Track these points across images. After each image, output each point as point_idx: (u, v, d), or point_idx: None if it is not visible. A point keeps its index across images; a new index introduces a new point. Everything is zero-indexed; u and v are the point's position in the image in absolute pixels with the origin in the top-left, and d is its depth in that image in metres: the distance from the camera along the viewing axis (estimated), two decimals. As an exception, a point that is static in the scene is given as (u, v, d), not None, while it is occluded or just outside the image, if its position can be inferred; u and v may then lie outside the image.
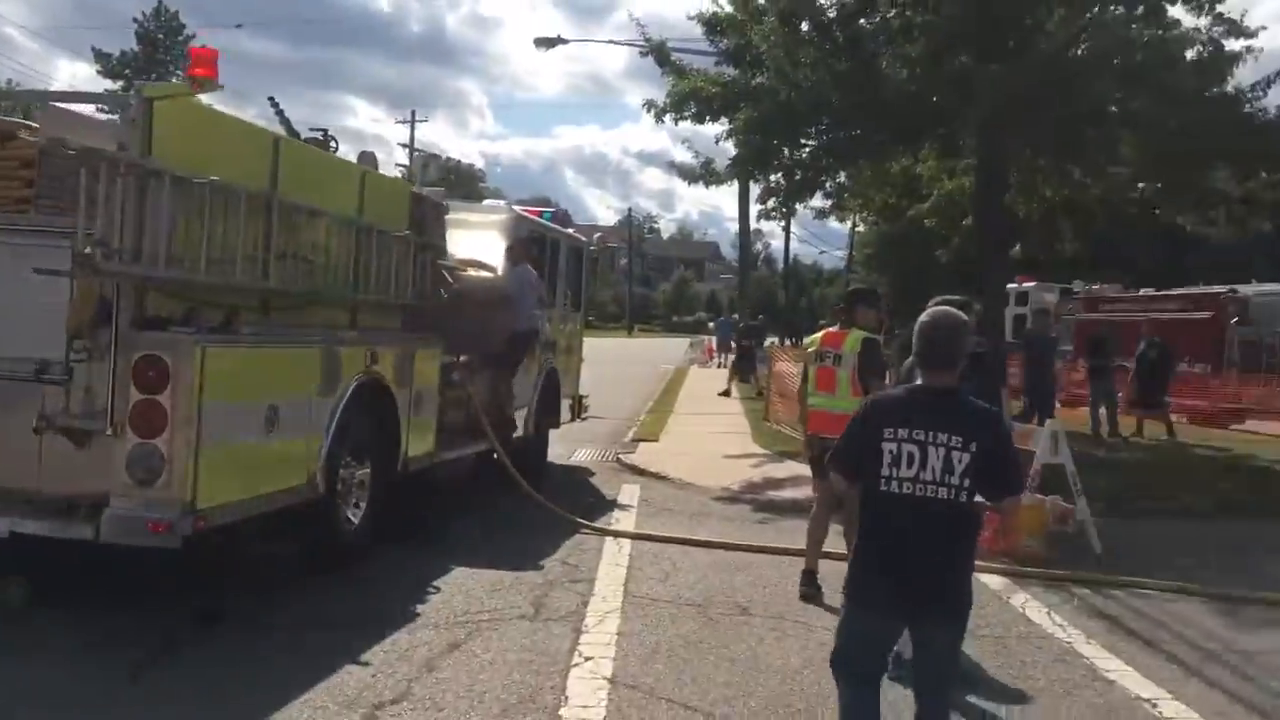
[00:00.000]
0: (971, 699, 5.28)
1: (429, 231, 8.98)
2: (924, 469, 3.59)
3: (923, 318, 3.90)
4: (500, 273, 10.40)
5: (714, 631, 6.30)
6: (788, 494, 11.20)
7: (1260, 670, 5.94)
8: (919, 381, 3.87)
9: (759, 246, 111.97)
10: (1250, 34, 14.44)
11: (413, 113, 72.39)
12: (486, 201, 15.19)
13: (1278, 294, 27.34)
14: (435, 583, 6.99)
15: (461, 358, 9.34)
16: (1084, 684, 5.59)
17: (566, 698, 5.04)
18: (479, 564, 7.49)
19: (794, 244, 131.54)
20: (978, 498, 3.69)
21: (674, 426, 17.40)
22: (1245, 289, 27.17)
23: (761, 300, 68.96)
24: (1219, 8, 14.17)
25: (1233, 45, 14.56)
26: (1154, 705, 5.26)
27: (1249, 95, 15.05)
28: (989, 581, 7.80)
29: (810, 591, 7.08)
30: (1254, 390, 23.31)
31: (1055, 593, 7.62)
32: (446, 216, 9.89)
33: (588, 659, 5.60)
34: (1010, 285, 27.71)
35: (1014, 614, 7.04)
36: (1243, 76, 14.99)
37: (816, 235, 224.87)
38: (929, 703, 3.85)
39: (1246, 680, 5.76)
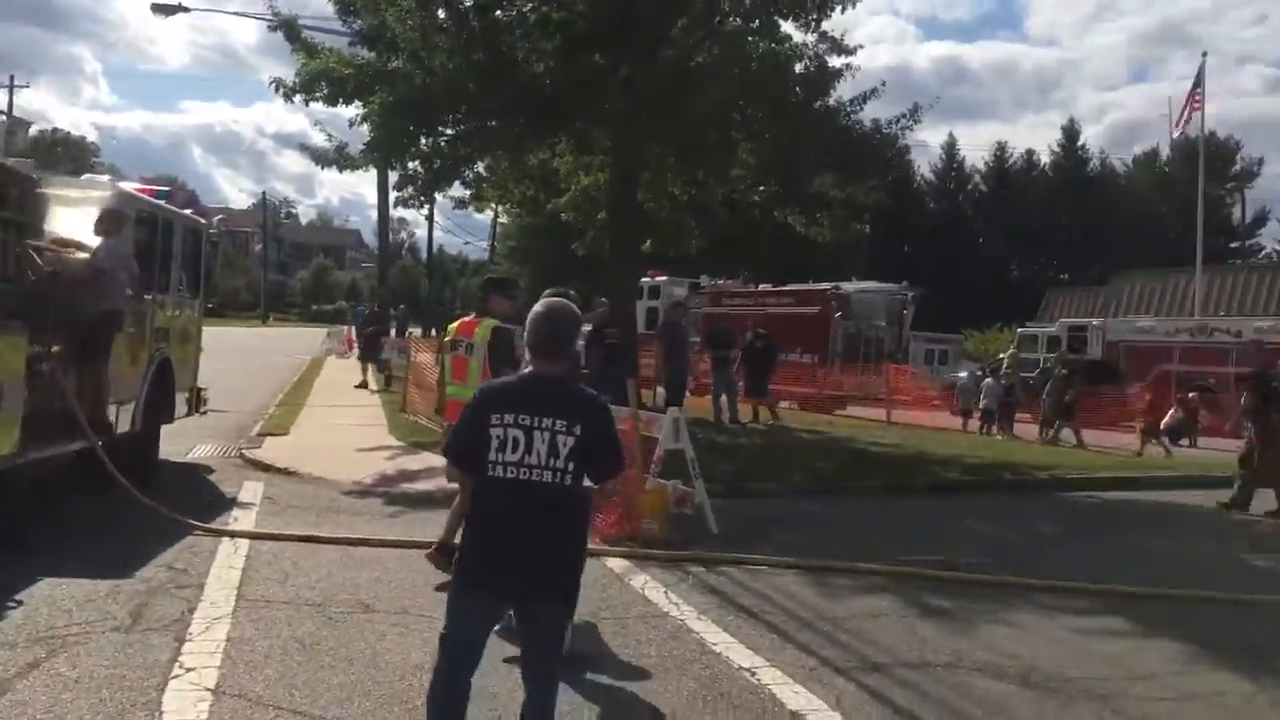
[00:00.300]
0: (590, 678, 5.42)
1: (13, 207, 8.04)
2: (529, 453, 3.69)
3: (536, 308, 4.02)
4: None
5: (333, 631, 6.06)
6: (422, 486, 11.03)
7: (846, 634, 6.50)
8: (530, 369, 3.94)
9: (403, 235, 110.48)
10: (850, 52, 15.86)
11: (11, 77, 64.69)
12: (86, 176, 13.79)
13: (874, 291, 30.39)
14: (17, 596, 6.26)
15: (54, 347, 8.43)
16: (693, 658, 5.88)
17: (162, 713, 4.66)
18: (70, 573, 6.78)
19: (438, 234, 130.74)
20: (586, 481, 3.83)
21: (305, 420, 16.72)
22: (847, 286, 29.97)
23: (405, 290, 68.03)
24: (825, 25, 15.48)
25: (835, 62, 15.94)
26: (753, 674, 5.61)
27: (848, 109, 16.55)
28: (613, 565, 8.07)
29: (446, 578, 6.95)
30: (854, 379, 25.78)
31: (673, 572, 7.96)
32: (39, 191, 8.92)
33: (189, 670, 5.21)
34: (643, 279, 28.96)
35: (634, 594, 7.29)
36: (843, 91, 16.46)
37: (461, 226, 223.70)
38: (536, 684, 3.92)
39: (834, 644, 6.27)
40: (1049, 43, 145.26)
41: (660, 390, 17.86)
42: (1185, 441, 20.61)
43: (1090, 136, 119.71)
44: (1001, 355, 29.80)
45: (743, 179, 18.23)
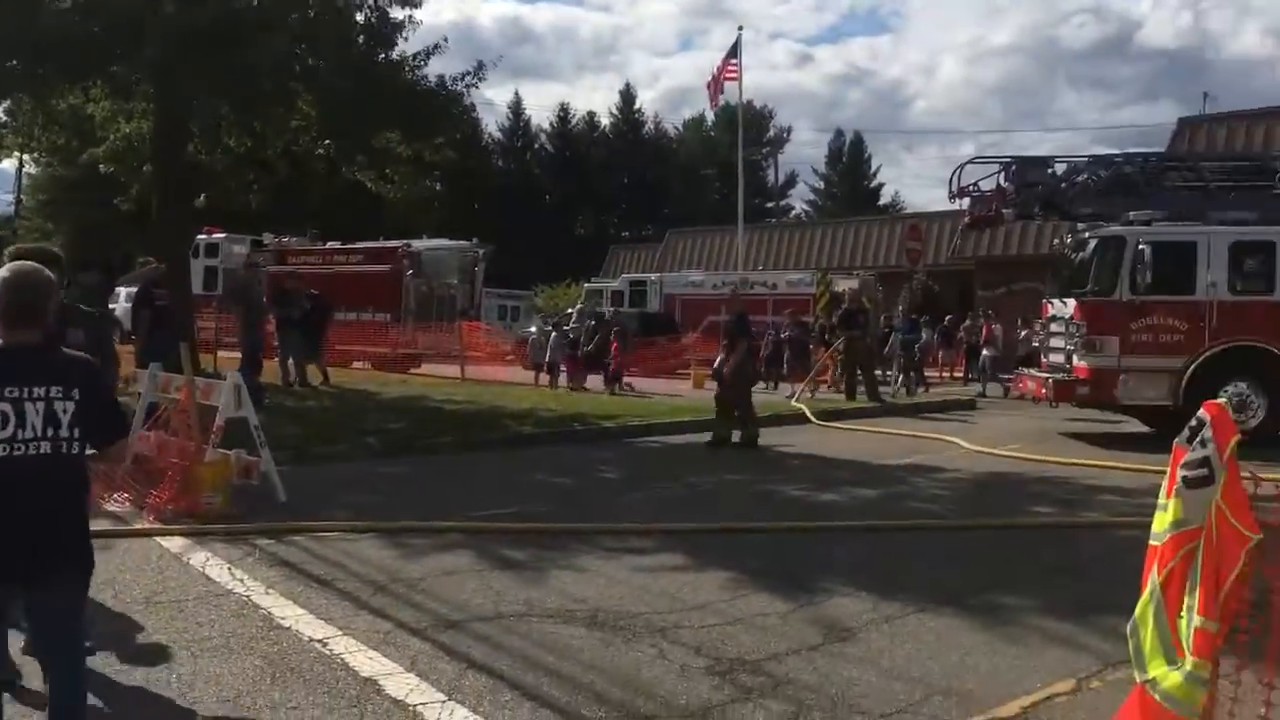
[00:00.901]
0: (141, 668, 5.03)
1: None
2: (23, 427, 3.45)
3: (1, 273, 3.68)
4: None
5: None
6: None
7: (421, 594, 6.48)
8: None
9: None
10: (414, 4, 15.65)
11: None
12: None
13: (446, 248, 30.50)
14: None
15: None
16: (260, 635, 5.60)
17: None
18: None
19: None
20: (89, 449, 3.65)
21: None
22: (418, 244, 29.83)
23: (-91, 249, 59.14)
24: None
25: (398, 14, 15.65)
26: (325, 644, 5.44)
27: (412, 64, 16.33)
28: (169, 544, 7.55)
29: None
30: (428, 336, 25.82)
31: (238, 547, 7.56)
32: None
33: None
34: (199, 237, 27.11)
35: (194, 574, 6.84)
36: (408, 46, 16.22)
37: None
38: (61, 674, 3.65)
39: (409, 605, 6.23)
40: (604, 8, 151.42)
41: (220, 354, 16.83)
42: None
43: (645, 100, 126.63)
44: (570, 310, 30.98)
45: (305, 131, 17.49)
